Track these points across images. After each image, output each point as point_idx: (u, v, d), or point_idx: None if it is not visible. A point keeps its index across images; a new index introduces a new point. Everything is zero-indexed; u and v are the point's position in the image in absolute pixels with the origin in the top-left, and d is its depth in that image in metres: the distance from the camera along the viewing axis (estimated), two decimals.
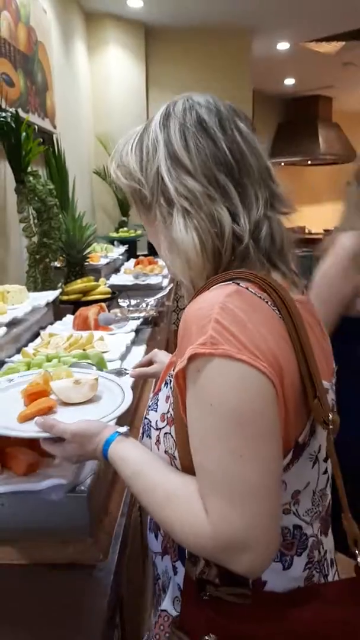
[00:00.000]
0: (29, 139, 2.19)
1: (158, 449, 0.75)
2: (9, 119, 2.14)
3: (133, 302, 2.30)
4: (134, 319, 1.90)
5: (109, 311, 1.89)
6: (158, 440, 0.75)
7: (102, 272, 2.83)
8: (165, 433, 0.73)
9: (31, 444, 0.91)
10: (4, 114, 2.15)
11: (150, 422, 0.78)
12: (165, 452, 0.73)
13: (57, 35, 3.62)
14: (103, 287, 2.37)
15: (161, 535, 0.79)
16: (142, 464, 0.72)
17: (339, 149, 8.91)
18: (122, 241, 4.01)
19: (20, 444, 0.88)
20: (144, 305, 2.29)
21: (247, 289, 0.66)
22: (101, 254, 3.16)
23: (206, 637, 0.65)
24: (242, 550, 0.61)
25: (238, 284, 0.66)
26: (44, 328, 1.74)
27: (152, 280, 2.84)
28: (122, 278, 2.92)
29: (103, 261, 2.98)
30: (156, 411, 0.77)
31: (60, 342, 1.48)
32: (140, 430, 0.81)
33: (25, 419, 0.85)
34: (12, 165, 2.18)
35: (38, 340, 1.58)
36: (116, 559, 0.84)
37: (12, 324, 1.50)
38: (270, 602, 0.67)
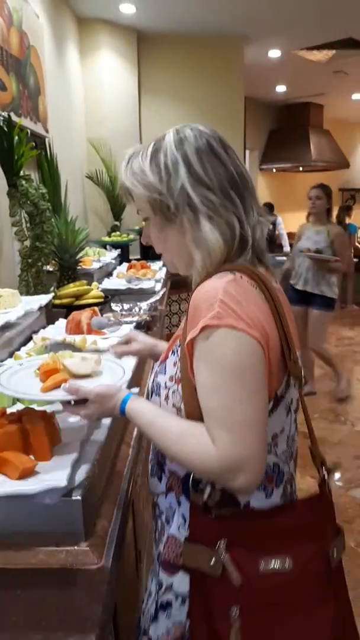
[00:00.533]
0: (22, 143, 2.18)
1: (167, 404, 0.93)
2: (1, 123, 2.14)
3: (126, 306, 2.30)
4: (127, 323, 1.90)
5: (101, 315, 1.89)
6: (167, 397, 0.93)
7: (94, 276, 2.82)
8: (173, 391, 0.92)
9: (26, 448, 0.90)
10: None
11: (160, 383, 0.96)
12: (173, 405, 0.92)
13: (49, 40, 3.63)
14: (96, 291, 2.37)
15: (165, 477, 0.98)
16: (155, 414, 0.91)
17: (329, 156, 8.99)
18: (115, 245, 4.01)
19: (14, 448, 0.88)
20: (136, 309, 2.29)
21: (241, 277, 0.86)
22: (94, 258, 3.16)
23: (219, 542, 0.84)
24: (240, 470, 0.81)
25: (235, 273, 0.86)
26: (36, 332, 1.73)
27: (145, 284, 2.84)
28: (114, 282, 2.92)
29: (95, 265, 2.98)
30: (164, 374, 0.95)
31: None
32: (149, 391, 0.99)
33: (47, 389, 0.96)
34: (4, 169, 2.18)
35: (31, 344, 1.57)
36: (110, 563, 0.83)
37: (4, 327, 1.49)
38: (258, 513, 0.91)
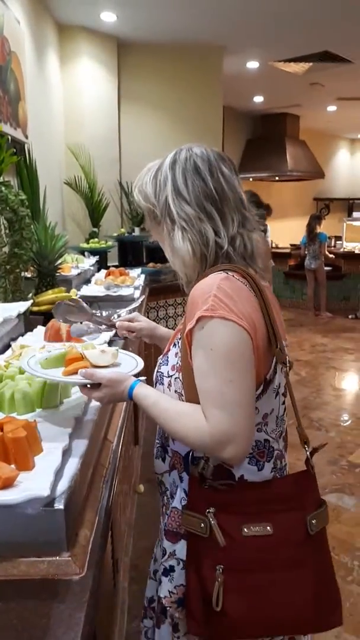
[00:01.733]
0: (2, 149, 2.17)
1: (169, 390, 1.08)
2: None
3: (105, 313, 2.29)
4: (106, 330, 1.90)
5: (80, 323, 1.88)
6: (169, 384, 1.08)
7: (72, 282, 2.81)
8: (175, 378, 1.07)
9: (6, 457, 0.90)
10: None
11: (162, 373, 1.11)
12: (175, 391, 1.07)
13: (30, 46, 3.62)
14: (74, 297, 2.36)
15: (168, 457, 1.13)
16: (159, 397, 1.05)
17: (305, 166, 9.14)
18: (93, 252, 4.00)
19: None
20: (115, 316, 2.29)
21: (233, 276, 0.99)
22: (72, 265, 3.14)
23: (208, 510, 0.98)
24: (229, 442, 0.94)
25: (227, 273, 0.99)
26: (14, 339, 1.72)
27: (124, 291, 2.84)
28: (93, 289, 2.90)
29: (74, 272, 2.96)
30: (167, 365, 1.11)
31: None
32: (154, 382, 1.13)
33: (68, 373, 1.08)
34: None
35: (9, 352, 1.56)
36: (93, 573, 0.83)
37: None
38: (246, 485, 1.04)
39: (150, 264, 3.86)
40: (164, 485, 1.17)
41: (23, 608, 0.77)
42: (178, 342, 1.09)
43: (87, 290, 2.86)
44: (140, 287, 3.23)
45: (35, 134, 3.61)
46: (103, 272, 3.54)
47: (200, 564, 0.99)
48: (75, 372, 1.08)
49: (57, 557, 0.83)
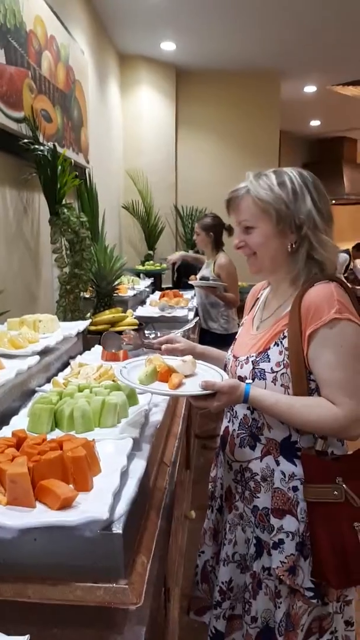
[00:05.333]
0: (65, 173, 2.24)
1: (274, 385, 1.19)
2: (46, 153, 2.20)
3: (159, 334, 2.29)
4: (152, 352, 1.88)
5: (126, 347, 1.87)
6: (275, 379, 1.19)
7: (128, 303, 2.84)
8: (282, 374, 1.19)
9: (64, 476, 0.88)
10: (42, 148, 2.21)
11: (264, 369, 1.21)
12: (282, 385, 1.18)
13: (92, 75, 3.76)
14: (130, 318, 2.37)
15: (261, 445, 1.24)
16: (276, 396, 1.17)
17: None
18: (148, 274, 4.05)
19: (55, 475, 0.86)
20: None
21: (336, 285, 1.17)
22: (128, 286, 3.18)
23: (337, 479, 1.14)
24: (358, 423, 1.12)
25: (332, 282, 1.17)
26: (73, 357, 1.73)
27: (178, 312, 2.84)
28: (148, 310, 2.93)
29: (130, 293, 3.00)
30: (268, 361, 1.21)
31: (90, 372, 1.47)
32: (251, 377, 1.23)
33: (175, 387, 1.14)
34: (47, 197, 2.23)
35: (68, 370, 1.57)
36: (149, 605, 0.79)
37: (43, 352, 1.49)
38: (354, 455, 1.21)
39: (192, 277, 3.74)
40: (251, 471, 1.27)
41: (80, 636, 0.74)
42: (281, 342, 1.20)
43: (142, 311, 2.88)
44: (194, 309, 3.22)
45: (96, 159, 3.72)
46: (158, 293, 3.56)
47: (337, 526, 1.14)
48: (180, 385, 1.16)
49: (114, 584, 0.80)
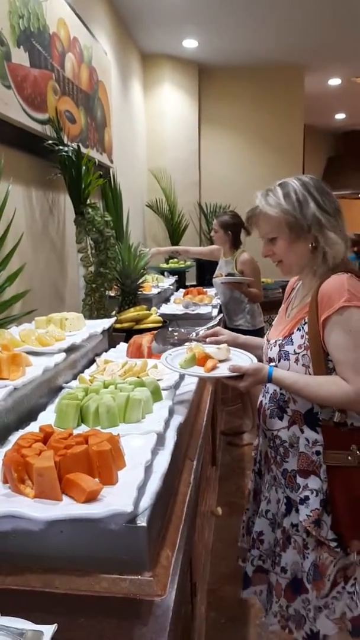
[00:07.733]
0: (89, 173, 2.26)
1: (297, 364, 1.36)
2: (70, 153, 2.23)
3: (183, 331, 2.29)
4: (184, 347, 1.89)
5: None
6: (297, 360, 1.36)
7: (153, 301, 2.85)
8: (303, 355, 1.35)
9: (90, 470, 0.90)
10: (66, 149, 2.24)
11: (288, 351, 1.38)
12: (303, 365, 1.35)
13: (115, 75, 3.78)
14: (154, 316, 2.38)
15: (287, 416, 1.42)
16: (295, 376, 1.34)
17: None
18: (172, 272, 4.05)
19: (80, 470, 0.88)
20: (194, 334, 2.29)
21: (350, 276, 1.31)
22: (152, 284, 3.20)
23: (351, 447, 1.31)
24: None
25: (347, 274, 1.32)
26: (99, 355, 1.75)
27: (202, 310, 2.84)
28: (172, 307, 2.94)
29: (154, 291, 3.01)
30: (292, 344, 1.38)
31: (115, 369, 1.49)
32: (276, 359, 1.41)
33: (209, 370, 1.33)
34: (72, 197, 2.26)
35: (93, 367, 1.59)
36: (174, 595, 0.80)
37: (70, 349, 1.51)
38: None
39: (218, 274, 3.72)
40: (280, 439, 1.44)
41: (104, 626, 0.76)
42: (302, 327, 1.36)
43: (167, 308, 2.89)
44: (218, 306, 3.21)
45: (120, 158, 3.75)
46: (181, 291, 3.57)
47: (352, 487, 1.31)
48: (214, 368, 1.34)
49: (139, 577, 0.81)
